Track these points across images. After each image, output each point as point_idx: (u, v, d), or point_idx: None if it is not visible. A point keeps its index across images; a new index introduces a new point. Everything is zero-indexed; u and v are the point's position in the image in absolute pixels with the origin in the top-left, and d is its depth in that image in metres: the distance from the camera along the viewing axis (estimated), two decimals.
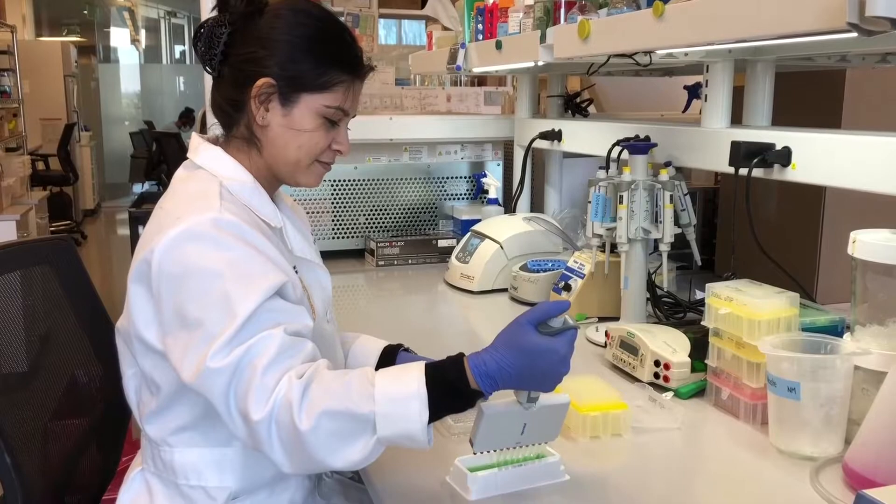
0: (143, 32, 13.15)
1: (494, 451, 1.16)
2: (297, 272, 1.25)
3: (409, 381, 1.04)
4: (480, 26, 2.37)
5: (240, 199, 1.22)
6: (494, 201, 2.67)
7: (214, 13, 1.25)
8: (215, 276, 1.09)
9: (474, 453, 1.14)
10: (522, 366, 1.06)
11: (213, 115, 1.30)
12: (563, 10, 1.92)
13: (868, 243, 1.24)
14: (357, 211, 2.74)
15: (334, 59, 1.24)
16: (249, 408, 1.04)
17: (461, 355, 1.08)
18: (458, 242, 2.43)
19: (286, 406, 1.02)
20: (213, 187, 1.20)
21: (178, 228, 1.11)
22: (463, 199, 2.88)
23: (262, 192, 1.27)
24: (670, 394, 1.48)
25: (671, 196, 1.74)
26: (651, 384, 1.52)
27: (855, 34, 1.05)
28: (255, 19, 1.23)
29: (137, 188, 11.37)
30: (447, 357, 1.10)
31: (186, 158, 1.29)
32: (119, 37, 13.09)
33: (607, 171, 1.87)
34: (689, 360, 1.50)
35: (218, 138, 1.31)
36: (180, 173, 1.28)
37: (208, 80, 1.33)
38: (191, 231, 1.11)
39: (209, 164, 1.25)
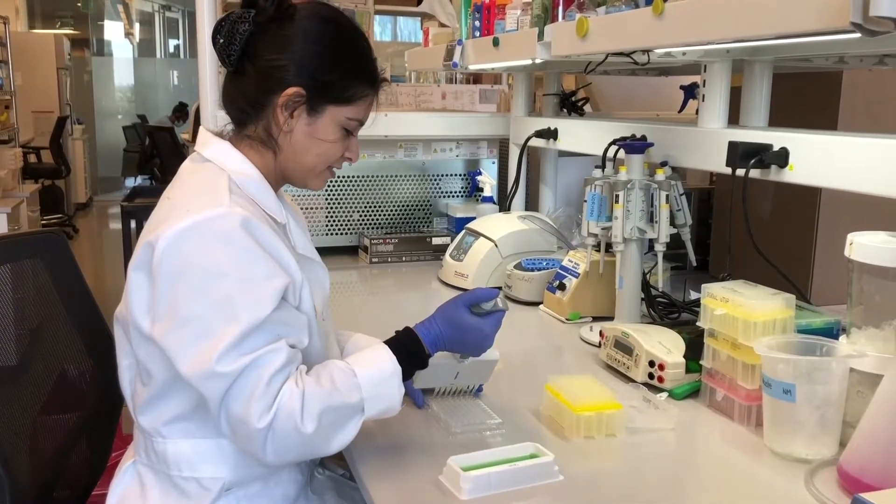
0: (137, 26, 13.11)
1: (434, 391, 1.43)
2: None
3: (384, 363, 1.20)
4: (477, 23, 2.36)
5: (247, 193, 1.22)
6: (489, 199, 2.65)
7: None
8: (220, 275, 1.10)
9: (415, 388, 1.38)
10: (454, 338, 1.28)
11: (224, 109, 1.30)
12: (561, 8, 1.90)
13: (865, 245, 1.24)
14: (351, 207, 2.73)
15: (361, 74, 1.27)
16: (252, 415, 1.07)
17: (408, 329, 1.27)
18: (452, 240, 2.42)
19: (288, 415, 1.08)
20: (222, 180, 1.20)
21: (187, 222, 1.11)
22: (458, 196, 2.87)
23: (269, 187, 1.27)
24: (665, 394, 1.48)
25: (667, 196, 1.74)
26: (645, 384, 1.51)
27: (858, 35, 1.04)
28: (285, 24, 1.22)
29: (130, 182, 11.30)
30: (397, 332, 1.27)
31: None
32: (113, 30, 13.05)
33: (603, 171, 1.87)
34: (683, 360, 1.49)
35: (223, 131, 1.30)
36: (188, 165, 1.28)
37: (204, 74, 1.32)
38: (199, 226, 1.12)
39: (218, 157, 1.25)
